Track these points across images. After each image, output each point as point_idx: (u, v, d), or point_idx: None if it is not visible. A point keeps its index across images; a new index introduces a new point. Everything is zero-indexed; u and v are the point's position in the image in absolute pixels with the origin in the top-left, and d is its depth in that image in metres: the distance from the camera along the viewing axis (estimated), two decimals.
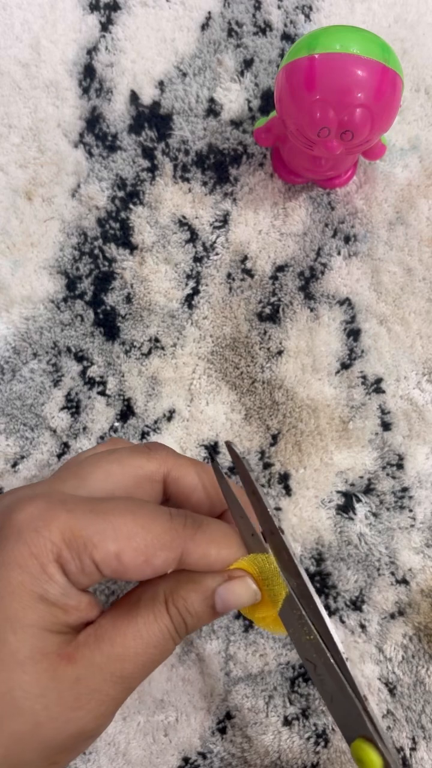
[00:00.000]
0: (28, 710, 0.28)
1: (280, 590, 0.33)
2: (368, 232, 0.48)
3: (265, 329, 0.48)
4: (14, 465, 0.47)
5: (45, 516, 0.30)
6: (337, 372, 0.48)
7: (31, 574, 0.29)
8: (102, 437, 0.48)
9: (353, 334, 0.48)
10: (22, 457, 0.47)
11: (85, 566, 0.29)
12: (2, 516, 0.31)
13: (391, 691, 0.46)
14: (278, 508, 0.47)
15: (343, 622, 0.47)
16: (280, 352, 0.48)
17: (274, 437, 0.48)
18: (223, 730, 0.46)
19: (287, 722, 0.46)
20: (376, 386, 0.48)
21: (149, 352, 0.48)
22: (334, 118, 0.37)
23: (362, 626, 0.46)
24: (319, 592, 0.47)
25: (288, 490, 0.47)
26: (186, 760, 0.46)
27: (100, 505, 0.31)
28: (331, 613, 0.47)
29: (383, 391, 0.48)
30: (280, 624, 0.34)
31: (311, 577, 0.47)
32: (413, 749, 0.45)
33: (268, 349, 0.48)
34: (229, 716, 0.46)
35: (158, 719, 0.46)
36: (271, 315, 0.48)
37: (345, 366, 0.48)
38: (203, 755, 0.46)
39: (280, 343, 0.48)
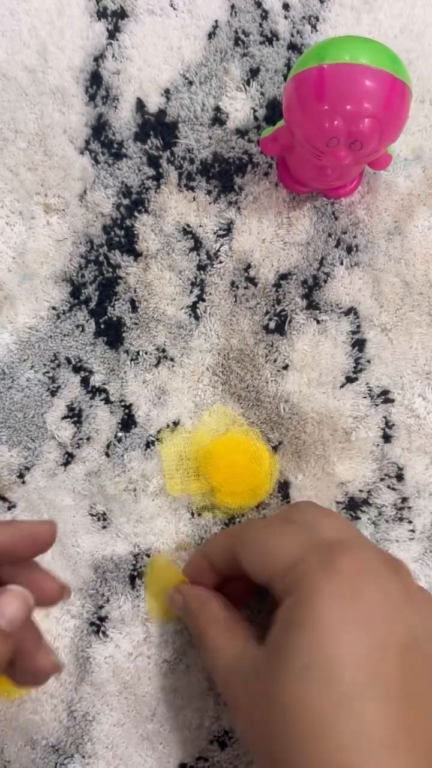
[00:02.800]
0: None
1: None
2: (369, 242, 0.48)
3: (272, 341, 0.48)
4: (20, 476, 0.47)
5: None
6: (342, 386, 0.48)
7: None
8: (108, 446, 0.47)
9: (358, 344, 0.48)
10: (27, 468, 0.47)
11: None
12: None
13: None
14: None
15: None
16: (285, 366, 0.48)
17: (275, 448, 0.48)
18: (223, 744, 0.46)
19: None
20: (383, 398, 0.48)
21: (158, 363, 0.48)
22: (343, 128, 0.37)
23: None
24: None
25: (286, 498, 0.47)
26: (183, 766, 0.46)
27: None
28: None
29: (389, 402, 0.48)
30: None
31: None
32: None
33: (275, 361, 0.48)
34: (227, 732, 0.46)
35: (155, 727, 0.46)
36: (278, 327, 0.48)
37: (350, 380, 0.48)
38: (204, 759, 0.46)
39: (287, 357, 0.48)
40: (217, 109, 0.48)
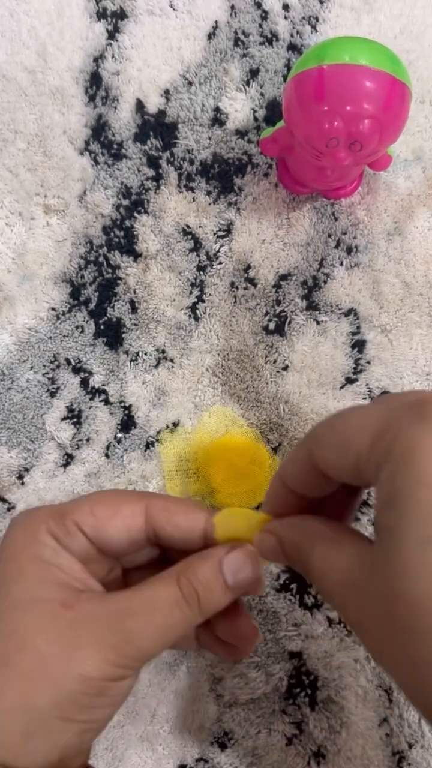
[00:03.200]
0: (31, 645, 0.31)
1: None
2: (369, 243, 0.48)
3: (271, 342, 0.48)
4: (20, 477, 0.47)
5: (35, 509, 0.36)
6: (342, 387, 0.48)
7: (27, 541, 0.34)
8: (108, 447, 0.47)
9: (358, 345, 0.48)
10: (27, 469, 0.47)
11: (69, 529, 0.34)
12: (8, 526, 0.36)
13: (389, 697, 0.46)
14: None
15: (339, 623, 0.46)
16: (285, 367, 0.48)
17: (275, 449, 0.48)
18: (223, 745, 0.46)
19: (289, 742, 0.46)
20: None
21: (157, 364, 0.48)
22: (343, 129, 0.37)
23: None
24: (315, 598, 0.47)
25: None
26: (182, 767, 0.46)
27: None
28: (329, 621, 0.47)
29: None
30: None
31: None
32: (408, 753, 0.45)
33: (274, 362, 0.47)
34: (226, 734, 0.46)
35: (155, 729, 0.46)
36: (278, 328, 0.48)
37: (350, 381, 0.48)
38: (204, 760, 0.46)
39: (287, 358, 0.48)
40: (217, 109, 0.48)
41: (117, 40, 0.47)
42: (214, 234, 0.48)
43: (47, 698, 0.30)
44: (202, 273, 0.48)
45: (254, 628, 0.38)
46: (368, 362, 0.48)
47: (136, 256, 0.48)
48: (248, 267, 0.48)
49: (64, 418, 0.47)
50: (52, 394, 0.47)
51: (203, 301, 0.48)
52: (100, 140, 0.47)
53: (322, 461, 0.32)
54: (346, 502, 0.36)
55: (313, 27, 0.48)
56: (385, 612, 0.27)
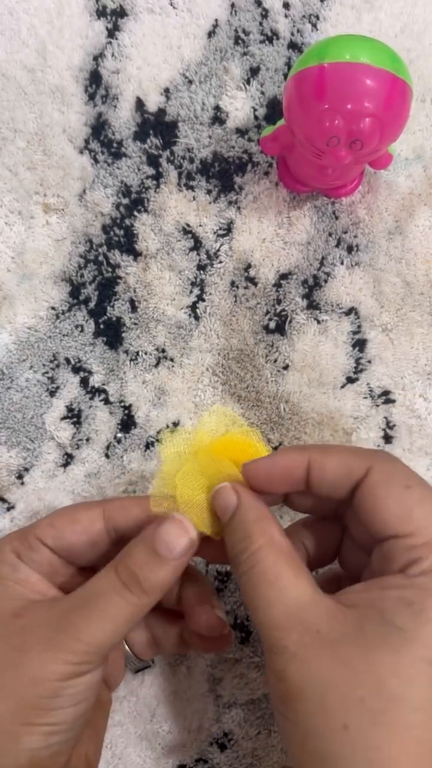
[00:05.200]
0: None
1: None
2: (370, 242, 0.48)
3: (272, 341, 0.47)
4: (19, 477, 0.47)
5: (6, 536, 0.39)
6: (343, 386, 0.47)
7: None
8: (108, 447, 0.47)
9: (359, 344, 0.47)
10: (26, 469, 0.47)
11: (31, 544, 0.37)
12: None
13: None
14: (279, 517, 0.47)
15: None
16: (286, 367, 0.47)
17: (275, 449, 0.47)
18: (222, 746, 0.46)
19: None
20: (384, 398, 0.48)
21: (157, 363, 0.47)
22: (344, 128, 0.37)
23: None
24: None
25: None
26: (182, 767, 0.46)
27: None
28: None
29: (389, 402, 0.48)
30: None
31: None
32: None
33: (275, 362, 0.47)
34: (226, 734, 0.46)
35: (154, 728, 0.46)
36: (278, 327, 0.47)
37: (351, 380, 0.47)
38: (204, 760, 0.46)
39: (287, 357, 0.47)
40: (217, 108, 0.47)
41: (117, 39, 0.47)
42: (215, 233, 0.48)
43: (3, 705, 0.31)
44: (202, 272, 0.48)
45: (220, 620, 0.39)
46: (369, 361, 0.48)
47: (136, 255, 0.47)
48: (249, 266, 0.48)
49: (63, 418, 0.47)
50: (52, 394, 0.47)
51: (203, 300, 0.48)
52: (100, 139, 0.47)
53: (373, 500, 0.33)
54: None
55: (314, 25, 0.48)
56: (349, 680, 0.28)
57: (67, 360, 0.47)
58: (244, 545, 0.33)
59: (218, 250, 0.48)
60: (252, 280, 0.48)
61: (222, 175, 0.48)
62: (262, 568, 0.32)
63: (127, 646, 0.42)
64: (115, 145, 0.47)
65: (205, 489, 0.36)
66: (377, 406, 0.48)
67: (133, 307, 0.48)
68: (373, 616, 0.30)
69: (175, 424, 0.47)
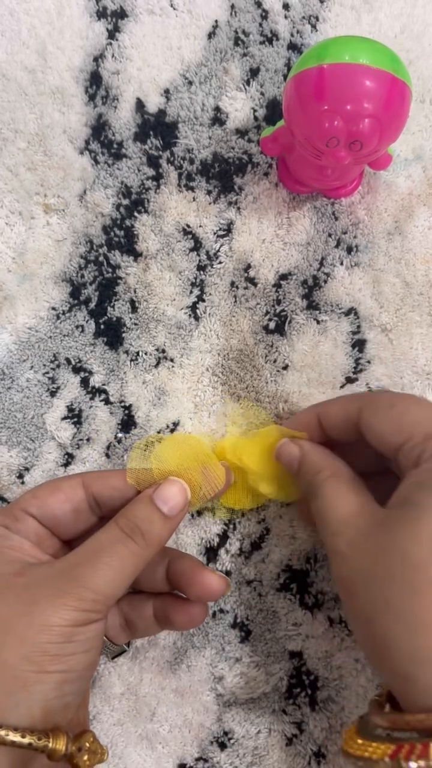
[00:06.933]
0: None
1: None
2: (369, 242, 0.48)
3: (271, 342, 0.47)
4: (20, 476, 0.47)
5: None
6: (342, 386, 0.48)
7: None
8: (108, 446, 0.47)
9: (358, 344, 0.48)
10: (27, 469, 0.47)
11: (17, 515, 0.39)
12: None
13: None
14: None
15: (340, 623, 0.46)
16: (285, 367, 0.47)
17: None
18: (222, 745, 0.46)
19: (289, 742, 0.46)
20: None
21: (157, 363, 0.48)
22: (343, 128, 0.37)
23: None
24: (315, 598, 0.47)
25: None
26: (182, 766, 0.46)
27: None
28: (330, 620, 0.47)
29: None
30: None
31: (302, 574, 0.47)
32: None
33: (274, 362, 0.47)
34: (226, 733, 0.46)
35: (155, 727, 0.46)
36: (278, 327, 0.48)
37: (350, 380, 0.48)
38: (204, 759, 0.46)
39: (287, 357, 0.47)
40: (217, 109, 0.48)
41: (117, 40, 0.47)
42: (215, 233, 0.48)
43: (16, 653, 0.32)
44: (202, 272, 0.48)
45: (223, 577, 0.42)
46: (368, 362, 0.48)
47: (136, 255, 0.48)
48: (248, 266, 0.48)
49: (64, 418, 0.47)
50: (52, 394, 0.47)
51: (203, 300, 0.48)
52: (100, 140, 0.47)
53: (370, 427, 0.38)
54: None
55: (314, 26, 0.48)
56: (383, 560, 0.32)
57: (68, 360, 0.47)
58: (314, 477, 0.39)
59: (218, 251, 0.48)
60: (252, 281, 0.48)
61: (222, 175, 0.48)
62: (327, 491, 0.37)
63: None
64: (115, 145, 0.47)
65: (176, 464, 0.41)
66: None
67: (134, 308, 0.48)
68: (397, 503, 0.34)
69: (175, 424, 0.48)
